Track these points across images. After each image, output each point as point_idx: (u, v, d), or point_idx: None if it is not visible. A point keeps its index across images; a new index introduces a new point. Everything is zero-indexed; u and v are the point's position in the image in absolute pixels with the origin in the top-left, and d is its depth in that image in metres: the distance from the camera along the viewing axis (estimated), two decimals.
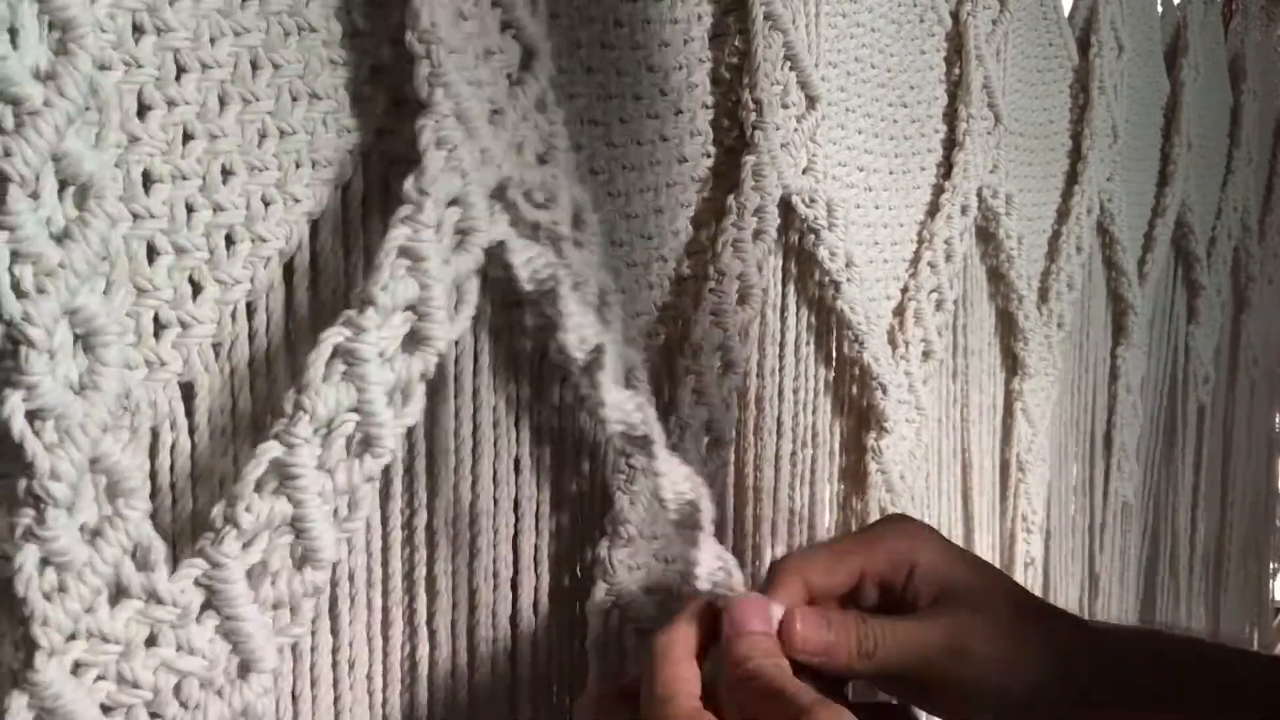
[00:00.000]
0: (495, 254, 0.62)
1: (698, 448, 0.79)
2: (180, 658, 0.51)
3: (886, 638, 0.68)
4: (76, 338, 0.46)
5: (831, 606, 0.70)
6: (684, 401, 0.79)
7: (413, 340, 0.58)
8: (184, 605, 0.51)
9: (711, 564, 0.64)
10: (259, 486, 0.53)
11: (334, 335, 0.55)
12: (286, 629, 0.55)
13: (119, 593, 0.49)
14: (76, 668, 0.48)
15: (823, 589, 0.70)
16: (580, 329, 0.64)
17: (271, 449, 0.53)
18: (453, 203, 0.59)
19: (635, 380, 0.72)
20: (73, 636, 0.47)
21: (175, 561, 0.52)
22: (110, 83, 0.51)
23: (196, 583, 0.52)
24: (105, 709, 0.49)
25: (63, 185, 0.46)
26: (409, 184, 0.58)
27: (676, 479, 0.64)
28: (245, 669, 0.53)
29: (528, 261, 0.63)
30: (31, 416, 0.45)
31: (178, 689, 0.51)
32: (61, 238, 0.46)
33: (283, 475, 0.53)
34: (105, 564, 0.47)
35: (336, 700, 0.63)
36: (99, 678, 0.48)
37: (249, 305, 0.57)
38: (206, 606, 0.52)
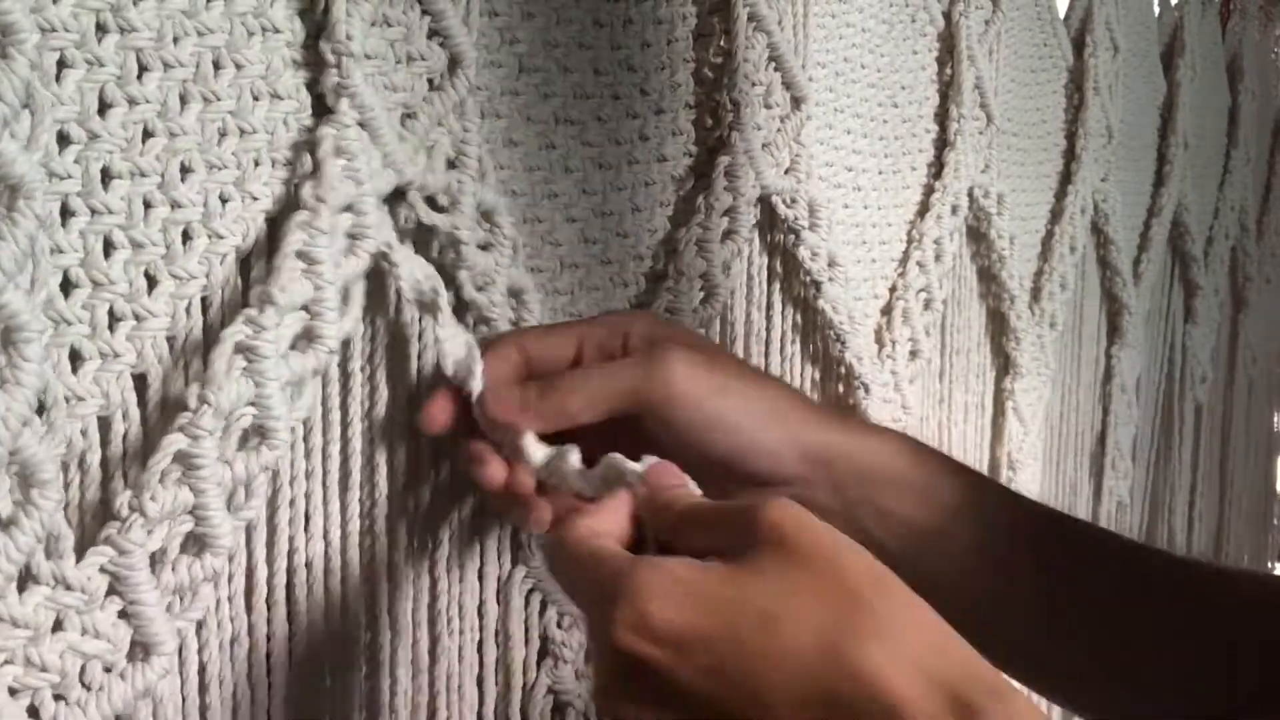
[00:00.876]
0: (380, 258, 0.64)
1: None
2: (86, 641, 0.52)
3: (582, 377, 0.67)
4: None
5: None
6: None
7: (306, 338, 0.60)
8: (91, 591, 0.52)
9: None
10: (163, 476, 0.54)
11: (236, 332, 0.57)
12: (184, 613, 0.57)
13: (28, 579, 0.50)
14: None
15: (539, 356, 0.68)
16: (454, 340, 0.66)
17: (177, 440, 0.55)
18: (346, 209, 0.61)
19: None
20: None
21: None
22: (72, 80, 0.52)
23: (102, 569, 0.53)
24: (12, 691, 0.50)
25: None
26: (307, 190, 0.59)
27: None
28: (146, 652, 0.55)
29: (410, 274, 0.64)
30: None
31: (83, 672, 0.53)
32: None
33: (186, 465, 0.55)
34: (18, 551, 0.49)
35: (294, 686, 0.64)
36: (7, 662, 0.50)
37: (204, 300, 0.58)
38: (110, 592, 0.54)
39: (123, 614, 0.54)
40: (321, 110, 0.61)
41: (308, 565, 0.64)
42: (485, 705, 0.73)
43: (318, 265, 0.59)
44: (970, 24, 1.11)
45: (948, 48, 1.11)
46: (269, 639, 0.63)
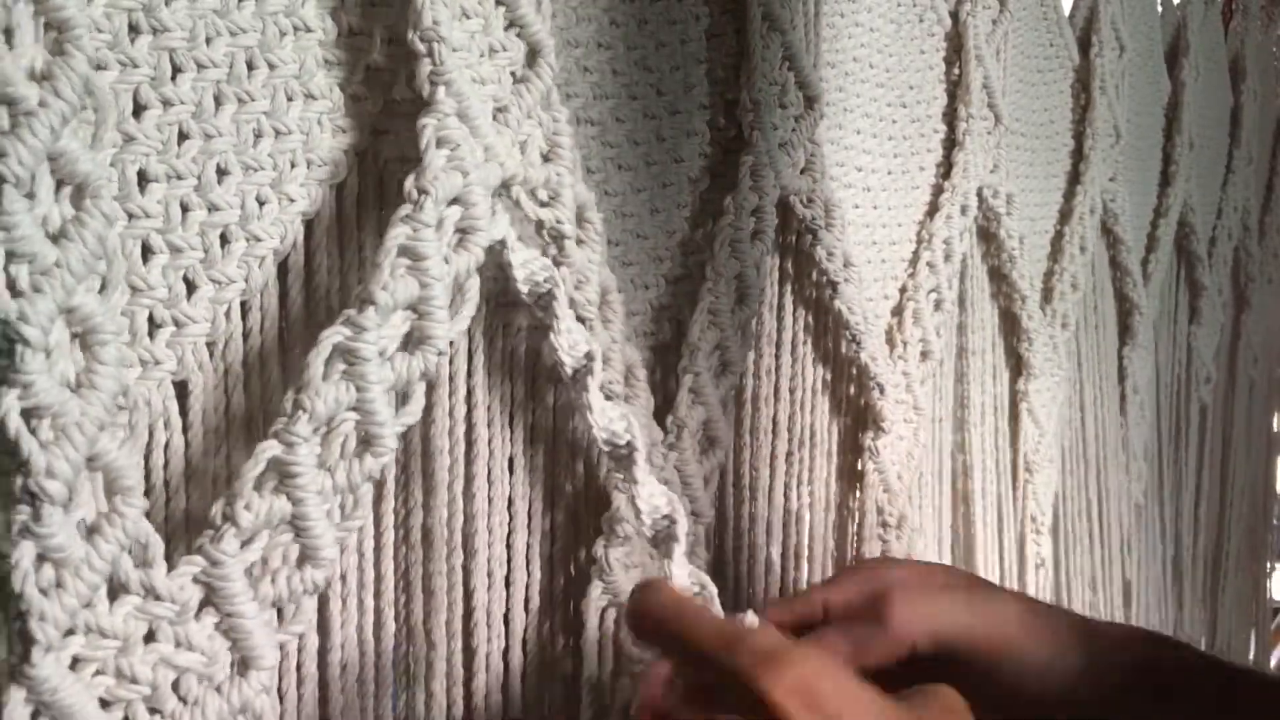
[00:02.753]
0: (494, 254, 0.62)
1: (694, 448, 0.79)
2: (179, 653, 0.51)
3: (917, 608, 0.68)
4: (73, 336, 0.47)
5: None
6: (681, 402, 0.79)
7: (413, 339, 0.58)
8: (182, 602, 0.51)
9: (684, 582, 0.63)
10: (258, 485, 0.53)
11: (334, 334, 0.55)
12: (286, 626, 0.55)
13: (117, 589, 0.49)
14: (75, 663, 0.48)
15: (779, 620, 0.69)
16: (571, 334, 0.64)
17: (271, 447, 0.53)
18: (454, 201, 0.59)
19: (634, 379, 0.72)
20: (70, 631, 0.47)
21: (170, 559, 0.52)
22: (106, 82, 0.51)
23: (195, 579, 0.52)
24: (104, 703, 0.49)
25: (59, 185, 0.46)
26: (409, 183, 0.58)
27: (654, 493, 0.64)
28: (245, 666, 0.53)
29: (524, 264, 0.63)
30: (28, 414, 0.45)
31: (176, 684, 0.51)
32: (58, 237, 0.46)
33: (282, 474, 0.54)
34: (103, 560, 0.48)
35: (327, 703, 0.64)
36: (97, 672, 0.49)
37: (243, 304, 0.57)
38: (205, 603, 0.52)
39: (219, 626, 0.53)
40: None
41: (343, 578, 0.64)
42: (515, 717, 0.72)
43: (423, 261, 0.57)
44: (978, 24, 1.11)
45: (955, 48, 1.11)
46: (300, 651, 0.62)
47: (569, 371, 0.64)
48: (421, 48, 0.58)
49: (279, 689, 0.61)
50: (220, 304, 0.56)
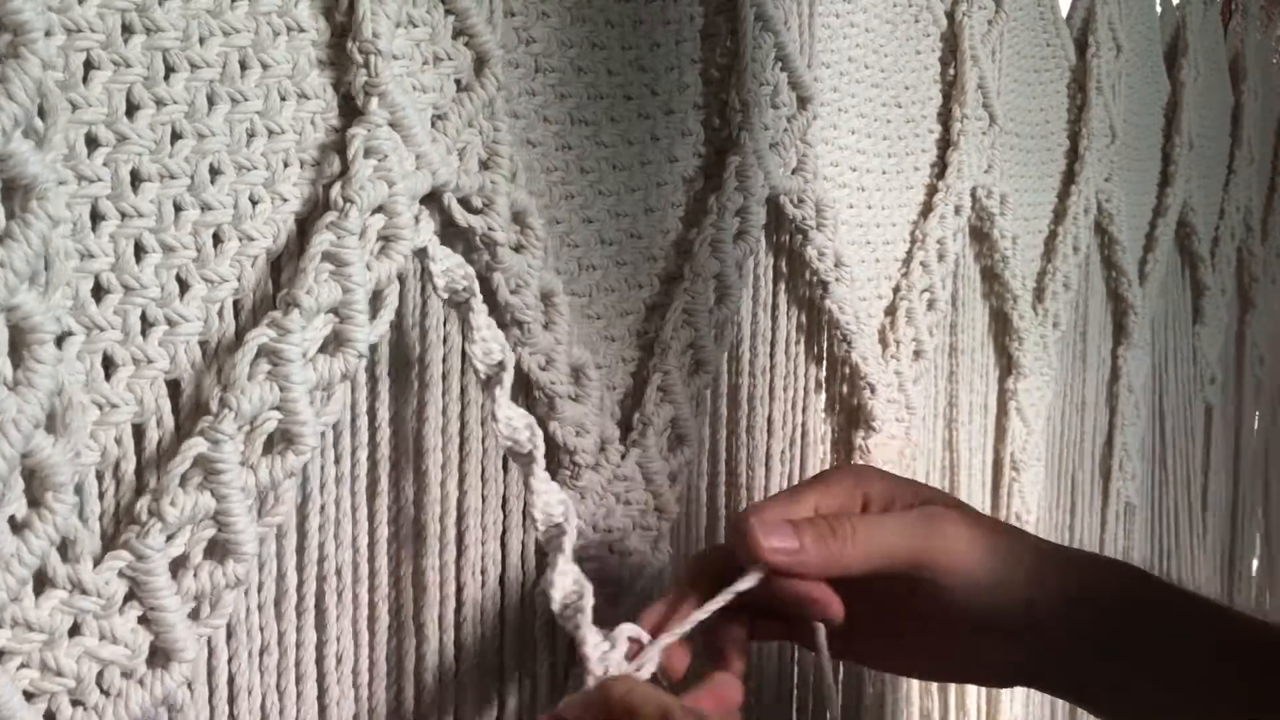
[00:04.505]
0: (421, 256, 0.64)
1: (660, 445, 0.79)
2: (103, 646, 0.52)
3: (864, 523, 0.68)
4: (12, 335, 0.47)
5: None
6: (648, 399, 0.79)
7: (335, 342, 0.59)
8: (108, 596, 0.52)
9: (568, 586, 0.64)
10: (183, 481, 0.54)
11: (259, 335, 0.56)
12: (207, 620, 0.56)
13: (44, 583, 0.50)
14: (1, 655, 0.48)
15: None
16: (485, 342, 0.65)
17: (196, 444, 0.54)
18: (378, 210, 0.61)
19: (584, 378, 0.73)
20: None
21: None
22: (100, 81, 0.52)
23: (120, 574, 0.52)
24: (28, 695, 0.49)
25: (6, 186, 0.47)
26: (335, 190, 0.59)
27: (550, 501, 0.65)
28: (166, 658, 0.54)
29: (445, 271, 0.64)
30: None
31: (100, 677, 0.52)
32: (1, 238, 0.46)
33: (207, 470, 0.54)
34: (32, 555, 0.48)
35: (322, 695, 0.64)
36: (23, 665, 0.49)
37: (236, 303, 0.58)
38: (129, 597, 0.53)
39: (142, 620, 0.53)
40: (350, 111, 0.61)
41: (337, 573, 0.64)
42: (507, 713, 0.73)
43: (346, 267, 0.59)
44: (973, 24, 1.11)
45: (951, 48, 1.11)
46: (298, 647, 0.63)
47: (482, 377, 0.65)
48: (359, 58, 0.60)
49: (277, 685, 0.62)
50: (213, 302, 0.56)
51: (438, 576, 0.68)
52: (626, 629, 0.64)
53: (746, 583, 0.65)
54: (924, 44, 1.08)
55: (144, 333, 0.54)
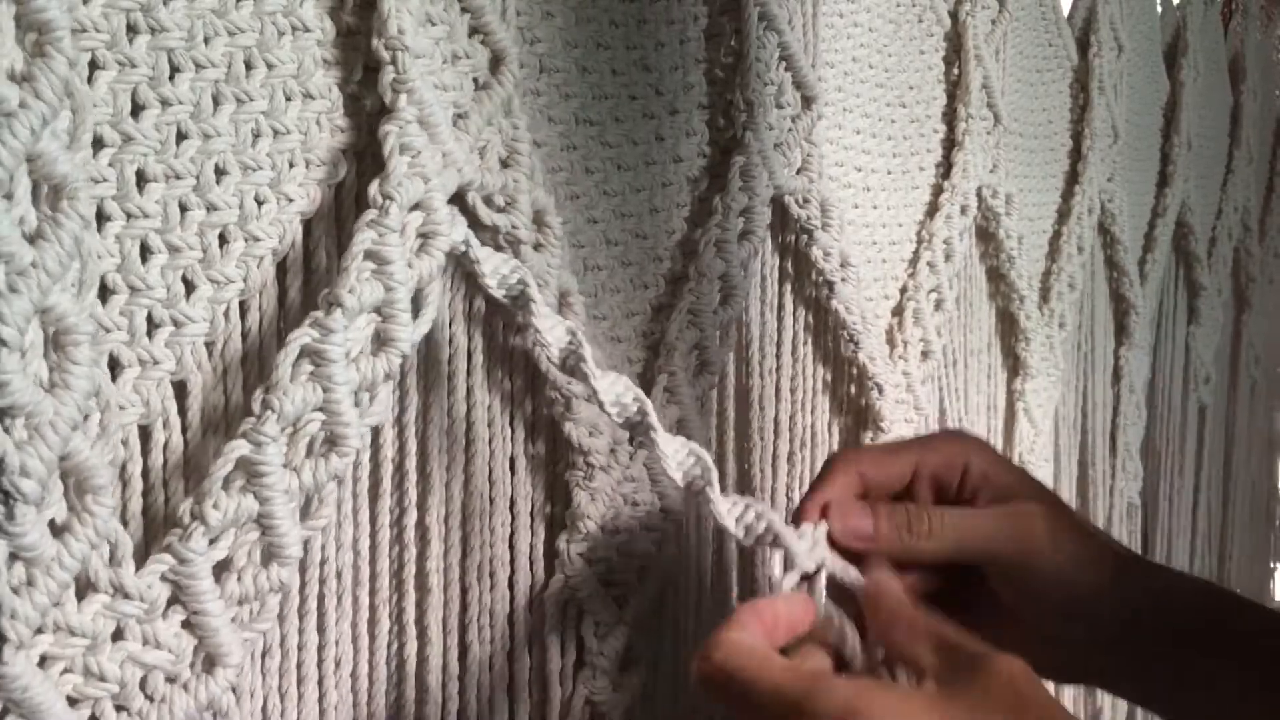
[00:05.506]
0: (456, 258, 0.63)
1: None
2: (146, 651, 0.51)
3: (944, 519, 0.67)
4: (47, 336, 0.47)
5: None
6: (655, 400, 0.79)
7: (378, 341, 0.59)
8: (150, 600, 0.51)
9: (680, 453, 0.63)
10: (226, 483, 0.53)
11: (301, 336, 0.56)
12: (252, 624, 0.56)
13: (86, 587, 0.49)
14: (44, 660, 0.48)
15: (876, 482, 0.69)
16: (550, 321, 0.64)
17: (239, 447, 0.54)
18: (416, 207, 0.60)
19: None
20: (40, 630, 0.48)
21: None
22: (105, 81, 0.51)
23: (163, 578, 0.52)
24: (72, 701, 0.49)
25: (36, 186, 0.46)
26: (374, 188, 0.58)
27: (679, 451, 0.64)
28: (211, 663, 0.54)
29: (494, 268, 0.63)
30: (2, 414, 0.45)
31: (144, 682, 0.52)
32: (34, 238, 0.46)
33: (249, 473, 0.54)
34: (73, 559, 0.48)
35: (323, 698, 0.64)
36: (66, 670, 0.49)
37: (242, 304, 0.57)
38: (173, 601, 0.52)
39: (186, 624, 0.53)
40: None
41: (338, 575, 0.64)
42: (518, 715, 0.72)
43: (388, 265, 0.58)
44: (977, 24, 1.11)
45: (955, 48, 1.11)
46: (300, 650, 0.62)
47: (556, 356, 0.64)
48: (385, 55, 0.59)
49: (279, 686, 0.62)
50: (219, 304, 0.56)
51: (441, 579, 0.68)
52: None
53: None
54: (928, 44, 1.08)
55: (150, 334, 0.53)
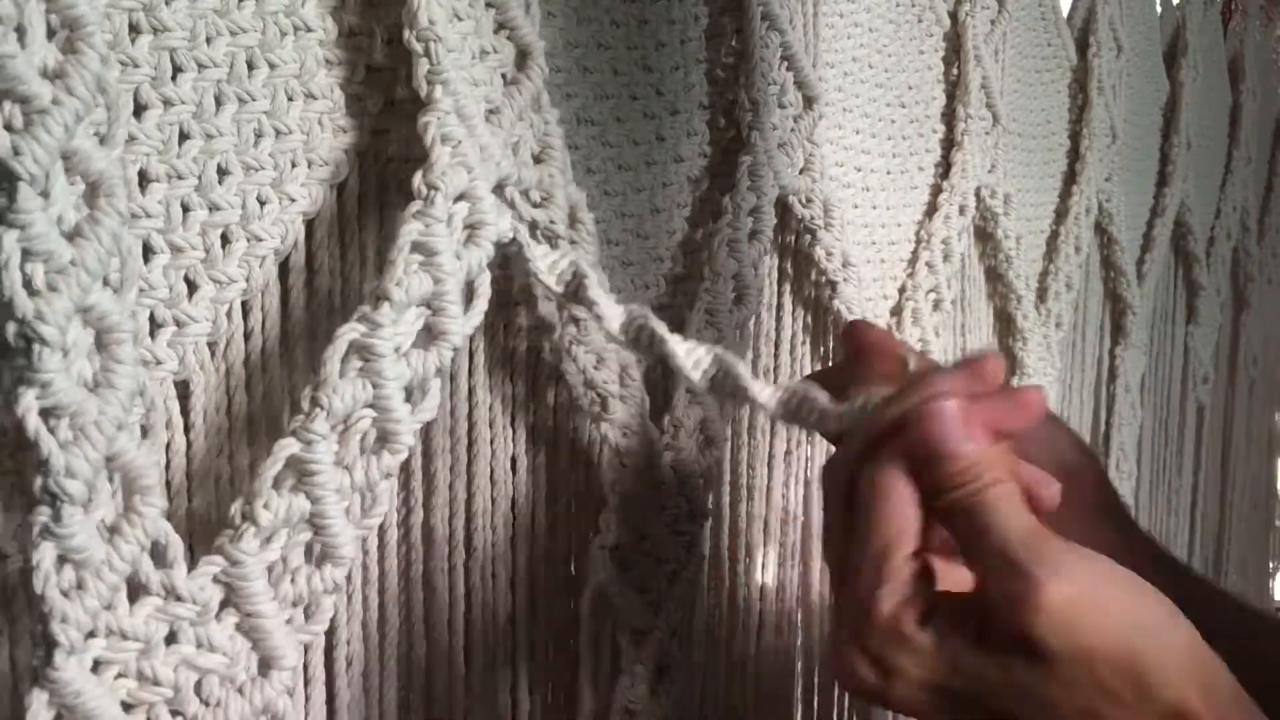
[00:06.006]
0: (501, 250, 0.62)
1: (692, 447, 0.79)
2: (200, 655, 0.51)
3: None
4: (90, 335, 0.46)
5: None
6: (678, 402, 0.79)
7: (428, 335, 0.58)
8: (203, 602, 0.51)
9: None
10: (277, 483, 0.53)
11: (350, 331, 0.55)
12: (307, 626, 0.55)
13: (138, 590, 0.49)
14: (96, 665, 0.48)
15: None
16: (610, 307, 0.62)
17: (289, 445, 0.53)
18: (460, 197, 0.59)
19: (628, 379, 0.72)
20: (92, 634, 0.47)
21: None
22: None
23: (215, 580, 0.52)
24: (126, 706, 0.49)
25: (73, 183, 0.46)
26: (418, 179, 0.58)
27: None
28: (266, 666, 0.53)
29: (545, 257, 0.63)
30: (46, 414, 0.45)
31: (198, 686, 0.51)
32: (73, 235, 0.46)
33: (300, 472, 0.53)
34: (123, 561, 0.47)
35: (333, 699, 0.64)
36: (119, 675, 0.48)
37: (244, 304, 0.57)
38: (226, 604, 0.52)
39: (240, 626, 0.52)
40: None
41: (347, 575, 0.64)
42: (519, 715, 0.72)
43: (436, 257, 0.57)
44: (976, 24, 1.11)
45: (954, 48, 1.11)
46: (310, 649, 0.62)
47: (623, 340, 0.62)
48: (419, 47, 0.58)
49: (288, 690, 0.62)
50: (221, 304, 0.56)
51: (446, 580, 0.68)
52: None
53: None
54: (927, 44, 1.08)
55: (152, 334, 0.54)
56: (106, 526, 0.47)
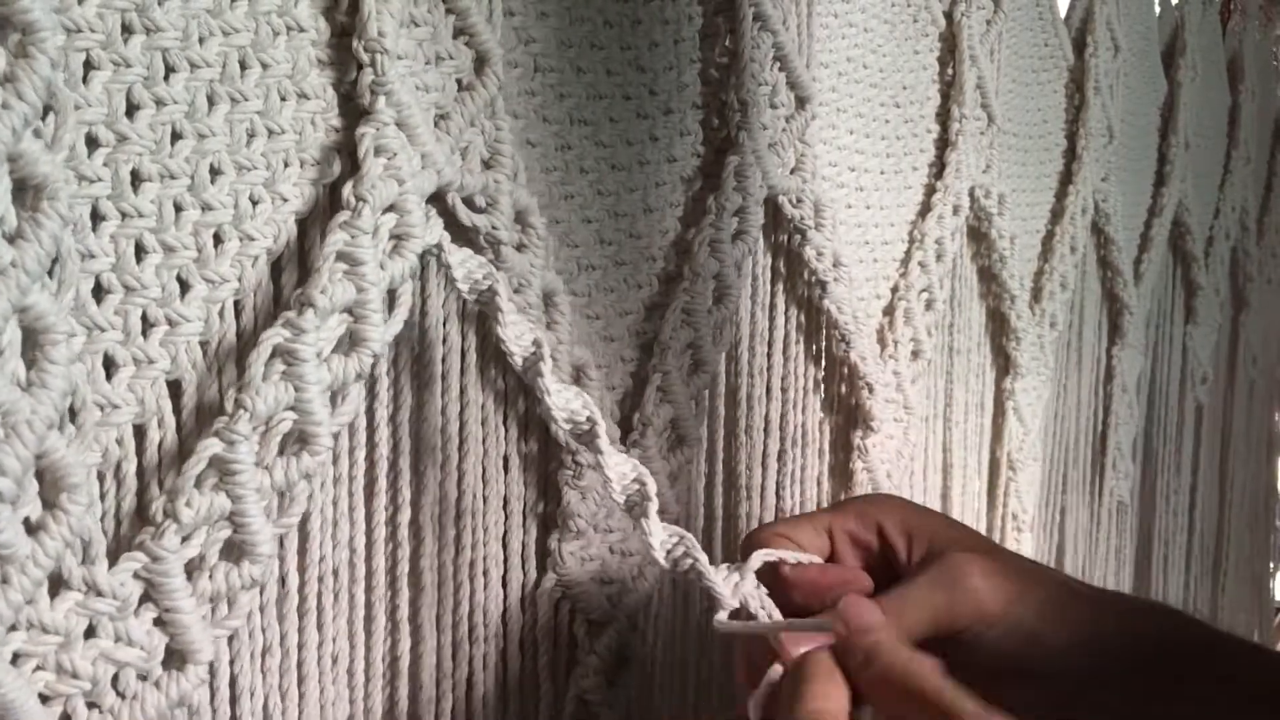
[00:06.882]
0: (431, 259, 0.64)
1: (659, 445, 0.79)
2: (119, 648, 0.52)
3: (888, 613, 0.65)
4: (25, 335, 0.47)
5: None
6: (648, 400, 0.79)
7: (349, 342, 0.59)
8: (123, 597, 0.52)
9: (663, 537, 0.64)
10: (199, 482, 0.54)
11: (274, 335, 0.56)
12: (223, 621, 0.56)
13: (59, 585, 0.50)
14: (16, 658, 0.48)
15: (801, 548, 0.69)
16: (516, 325, 0.65)
17: (212, 445, 0.54)
18: (389, 209, 0.60)
19: (586, 378, 0.73)
20: (13, 627, 0.48)
21: None
22: (100, 82, 0.52)
23: (136, 575, 0.52)
24: (44, 698, 0.49)
25: (17, 186, 0.47)
26: (347, 190, 0.59)
27: (619, 462, 0.65)
28: (182, 660, 0.54)
29: (462, 263, 0.64)
30: None
31: (115, 679, 0.52)
32: (14, 237, 0.46)
33: (222, 471, 0.54)
34: (47, 557, 0.48)
35: (320, 695, 0.64)
36: (38, 668, 0.49)
37: (237, 303, 0.58)
38: (145, 599, 0.53)
39: (158, 621, 0.53)
40: (350, 112, 0.61)
41: (334, 573, 0.64)
42: (510, 713, 0.73)
43: (360, 266, 0.58)
44: (972, 24, 1.11)
45: (949, 48, 1.11)
46: (300, 648, 0.63)
47: (519, 362, 0.65)
48: (365, 57, 0.60)
49: (279, 685, 0.62)
50: (214, 303, 0.56)
51: (435, 577, 0.68)
52: (760, 554, 0.65)
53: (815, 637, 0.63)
54: (922, 44, 1.08)
55: (145, 333, 0.54)
56: (32, 523, 0.48)
